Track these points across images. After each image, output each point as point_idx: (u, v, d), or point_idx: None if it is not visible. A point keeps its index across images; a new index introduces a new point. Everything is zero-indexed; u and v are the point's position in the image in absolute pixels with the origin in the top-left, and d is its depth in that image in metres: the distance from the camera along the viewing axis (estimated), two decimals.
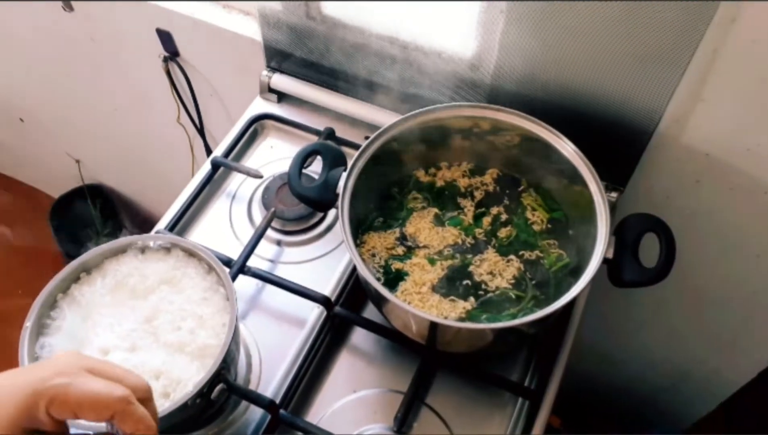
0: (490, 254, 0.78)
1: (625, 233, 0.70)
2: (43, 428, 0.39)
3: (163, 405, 0.60)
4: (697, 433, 1.38)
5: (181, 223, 0.90)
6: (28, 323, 0.64)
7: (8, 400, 0.38)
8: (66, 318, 0.66)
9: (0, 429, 0.38)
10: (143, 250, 0.73)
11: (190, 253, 0.72)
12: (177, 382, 0.63)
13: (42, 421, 0.39)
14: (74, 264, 0.68)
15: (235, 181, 0.97)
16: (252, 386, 0.77)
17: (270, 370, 0.78)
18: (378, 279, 0.75)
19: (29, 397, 0.38)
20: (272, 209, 0.88)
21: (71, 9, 1.29)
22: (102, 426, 0.42)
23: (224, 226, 0.92)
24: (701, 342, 1.17)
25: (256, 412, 0.75)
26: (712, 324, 1.12)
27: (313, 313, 0.81)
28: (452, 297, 0.74)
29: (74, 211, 1.96)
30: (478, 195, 0.83)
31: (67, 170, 1.96)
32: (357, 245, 0.78)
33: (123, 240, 0.72)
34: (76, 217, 1.95)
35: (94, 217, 1.95)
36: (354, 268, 0.84)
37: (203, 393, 0.62)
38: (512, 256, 0.77)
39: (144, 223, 2.05)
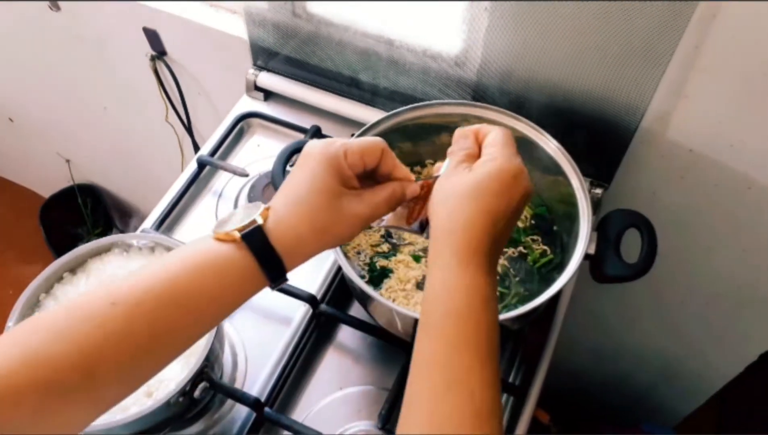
0: None
1: (608, 229, 0.70)
2: (348, 174, 0.49)
3: (146, 404, 0.60)
4: (687, 427, 1.39)
5: (167, 222, 0.90)
6: (10, 323, 0.64)
7: (319, 166, 0.47)
8: None
9: (325, 181, 0.47)
10: (127, 249, 0.73)
11: None
12: (160, 380, 0.63)
13: (345, 167, 0.48)
14: (57, 264, 0.68)
15: (222, 179, 0.97)
16: (238, 384, 0.77)
17: (256, 369, 0.78)
18: (363, 277, 0.76)
19: (331, 156, 0.48)
20: None
21: (58, 9, 1.28)
22: None
23: (210, 225, 0.91)
24: (690, 337, 1.18)
25: (241, 410, 0.75)
26: (701, 319, 1.12)
27: (299, 311, 0.82)
28: None
29: (65, 210, 1.95)
30: None
31: (57, 170, 1.95)
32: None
33: (106, 239, 0.72)
34: (67, 217, 1.95)
35: (85, 217, 1.95)
36: (340, 266, 0.84)
37: (186, 392, 0.62)
38: None
39: (135, 222, 2.05)
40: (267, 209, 0.47)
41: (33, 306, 0.67)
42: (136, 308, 0.41)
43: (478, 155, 0.51)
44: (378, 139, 0.51)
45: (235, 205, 0.93)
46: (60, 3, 1.28)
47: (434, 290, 0.45)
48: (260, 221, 0.45)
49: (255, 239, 0.45)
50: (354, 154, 0.49)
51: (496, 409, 0.42)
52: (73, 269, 0.71)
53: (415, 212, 0.54)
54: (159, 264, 0.43)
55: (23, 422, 0.37)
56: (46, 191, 2.04)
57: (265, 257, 0.45)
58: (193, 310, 0.43)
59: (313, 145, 0.49)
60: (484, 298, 0.45)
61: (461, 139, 0.52)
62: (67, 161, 1.92)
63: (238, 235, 0.44)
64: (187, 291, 0.43)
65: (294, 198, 0.47)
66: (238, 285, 0.45)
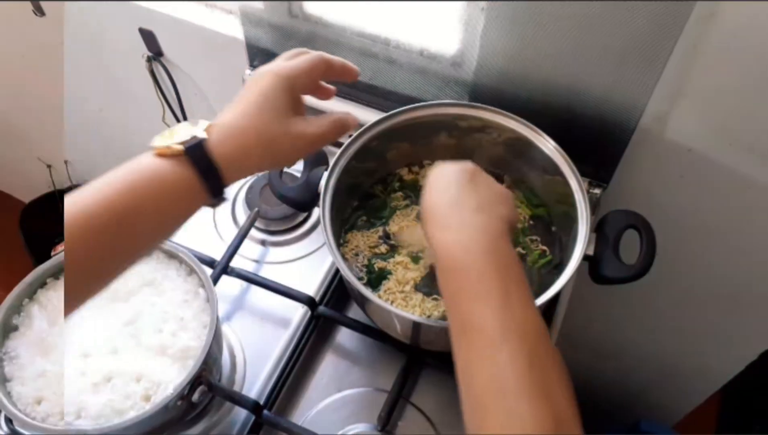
0: None
1: (606, 230, 0.70)
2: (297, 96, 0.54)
3: (144, 407, 0.60)
4: (687, 425, 1.39)
5: None
6: None
7: (270, 86, 0.52)
8: (33, 323, 0.65)
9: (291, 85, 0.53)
10: None
11: (171, 254, 0.72)
12: (158, 384, 0.63)
13: (296, 89, 0.53)
14: (40, 269, 0.68)
15: None
16: (236, 387, 0.77)
17: (254, 371, 0.78)
18: (361, 278, 0.75)
19: (283, 78, 0.52)
20: (255, 209, 0.87)
21: (42, 14, 1.27)
22: None
23: (208, 227, 0.91)
24: (690, 336, 1.18)
25: (240, 413, 0.75)
26: (701, 318, 1.12)
27: (298, 313, 0.81)
28: (435, 295, 0.74)
29: (46, 216, 1.92)
30: None
31: (38, 175, 1.92)
32: (340, 244, 0.78)
33: None
34: (49, 223, 1.92)
35: None
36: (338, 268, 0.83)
37: (184, 395, 0.62)
38: None
39: None
40: (211, 125, 0.48)
41: (16, 310, 0.66)
42: (85, 234, 0.43)
43: None
44: (318, 52, 0.56)
45: (233, 209, 0.93)
46: (54, 4, 1.27)
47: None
48: (203, 136, 0.47)
49: (197, 153, 0.46)
50: (302, 76, 0.53)
51: (526, 327, 0.45)
52: (56, 274, 0.70)
53: None
54: (97, 186, 0.45)
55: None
56: (27, 196, 2.01)
57: (207, 171, 0.46)
58: (131, 231, 0.45)
59: (264, 68, 0.52)
60: (466, 249, 0.48)
61: None
62: (48, 167, 1.88)
63: (181, 148, 0.45)
64: (124, 212, 0.44)
65: (243, 110, 0.49)
66: (177, 202, 0.46)
